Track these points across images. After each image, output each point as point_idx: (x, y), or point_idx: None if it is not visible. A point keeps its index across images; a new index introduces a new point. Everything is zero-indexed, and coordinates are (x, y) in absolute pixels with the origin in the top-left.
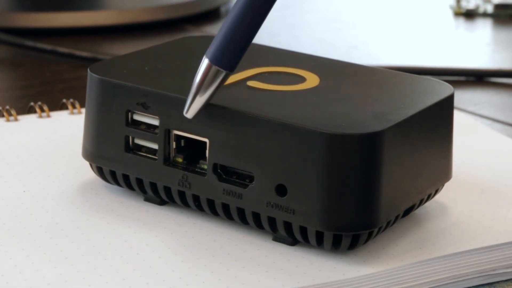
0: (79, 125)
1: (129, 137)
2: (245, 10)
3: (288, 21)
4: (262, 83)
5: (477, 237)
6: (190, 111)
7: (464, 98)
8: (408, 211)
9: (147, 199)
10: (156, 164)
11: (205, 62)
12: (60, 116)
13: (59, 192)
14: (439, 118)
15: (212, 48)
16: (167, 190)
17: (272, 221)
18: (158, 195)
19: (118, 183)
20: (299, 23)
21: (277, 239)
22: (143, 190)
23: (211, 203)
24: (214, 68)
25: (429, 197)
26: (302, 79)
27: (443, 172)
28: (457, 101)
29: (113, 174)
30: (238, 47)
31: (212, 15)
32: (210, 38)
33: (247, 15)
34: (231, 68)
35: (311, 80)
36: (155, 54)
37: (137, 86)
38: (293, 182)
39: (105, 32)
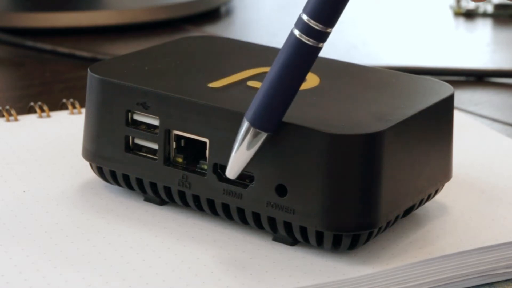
0: (79, 125)
1: (129, 137)
2: (283, 70)
3: (288, 21)
4: None
5: (477, 237)
6: (232, 172)
7: (464, 98)
8: (408, 211)
9: (147, 199)
10: (156, 164)
11: (245, 124)
12: (60, 116)
13: (59, 192)
14: (439, 118)
15: (251, 110)
16: (167, 190)
17: (272, 221)
18: (158, 195)
19: (118, 183)
20: None
21: (277, 239)
22: (143, 190)
23: (211, 203)
24: (254, 130)
25: (429, 197)
26: None
27: (443, 172)
28: (457, 101)
29: (113, 174)
30: (278, 108)
31: (212, 15)
32: (210, 38)
33: (286, 76)
34: (271, 130)
35: (311, 80)
36: (155, 54)
37: (137, 86)
38: (293, 182)
39: (105, 32)
